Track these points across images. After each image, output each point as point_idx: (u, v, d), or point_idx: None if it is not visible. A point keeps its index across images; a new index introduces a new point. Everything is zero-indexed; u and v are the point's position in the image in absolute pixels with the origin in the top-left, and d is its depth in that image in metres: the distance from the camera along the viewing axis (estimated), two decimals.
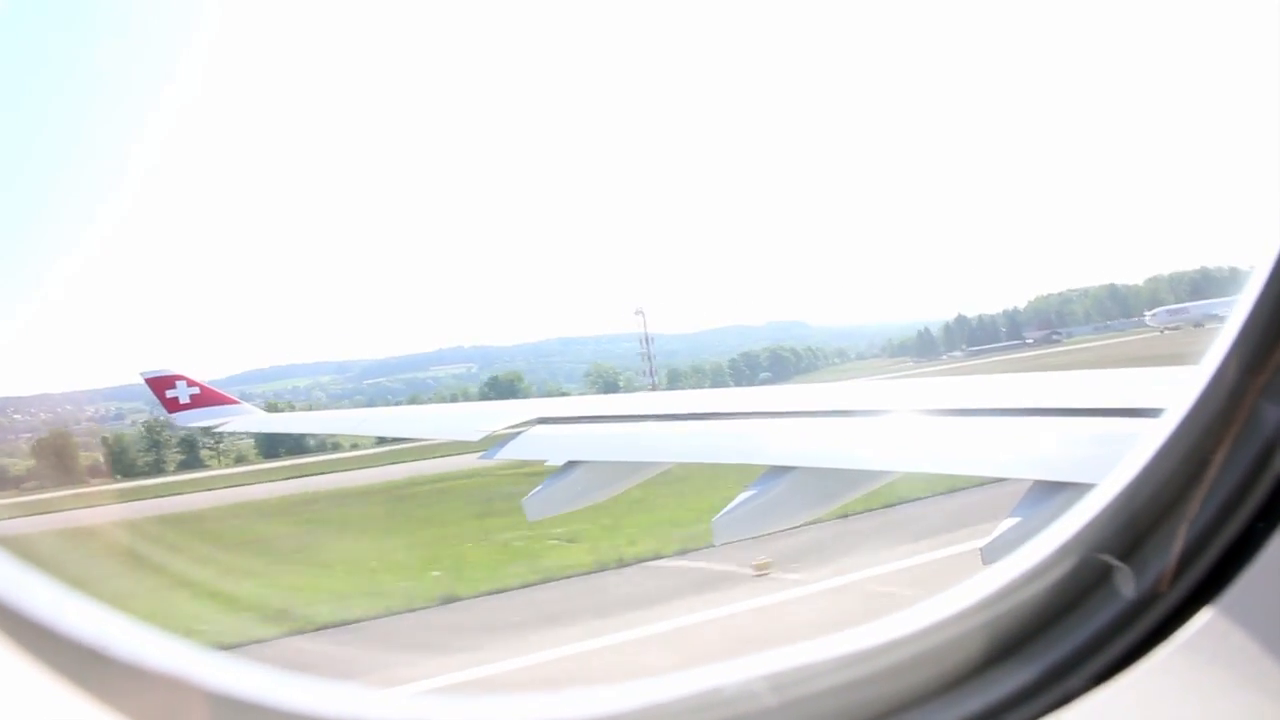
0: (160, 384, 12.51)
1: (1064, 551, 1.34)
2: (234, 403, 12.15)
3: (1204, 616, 1.28)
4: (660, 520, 17.62)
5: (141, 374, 13.22)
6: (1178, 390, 1.35)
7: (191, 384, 12.37)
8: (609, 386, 77.74)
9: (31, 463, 50.28)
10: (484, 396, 66.44)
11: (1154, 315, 77.05)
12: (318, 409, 59.52)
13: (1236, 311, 1.31)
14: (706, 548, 14.96)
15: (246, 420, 11.86)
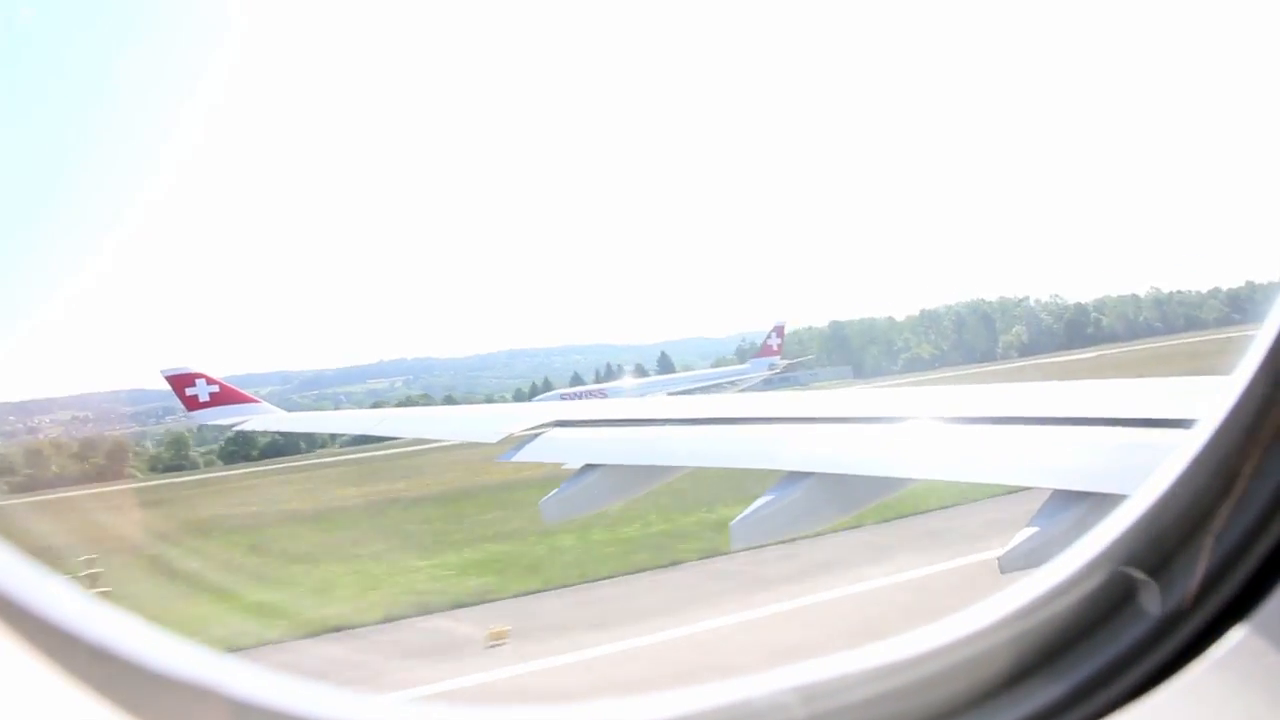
0: (180, 382, 12.56)
1: (1093, 566, 1.32)
2: (254, 401, 12.16)
3: (1237, 634, 1.26)
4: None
5: (162, 371, 13.25)
6: (1208, 402, 1.33)
7: (211, 382, 12.41)
8: None
9: None
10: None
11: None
12: None
13: (1269, 323, 1.29)
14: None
15: (265, 419, 11.85)
